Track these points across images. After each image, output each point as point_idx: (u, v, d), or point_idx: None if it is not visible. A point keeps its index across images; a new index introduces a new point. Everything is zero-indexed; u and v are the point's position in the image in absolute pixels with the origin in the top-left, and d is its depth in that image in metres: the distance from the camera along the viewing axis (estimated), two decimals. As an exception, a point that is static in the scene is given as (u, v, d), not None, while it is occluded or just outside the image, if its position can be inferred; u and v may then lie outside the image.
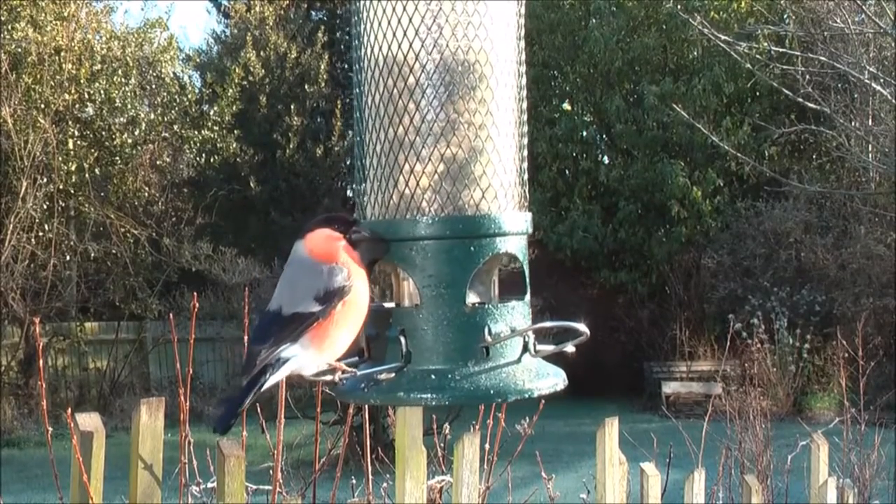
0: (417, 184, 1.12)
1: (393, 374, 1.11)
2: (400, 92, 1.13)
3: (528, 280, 1.17)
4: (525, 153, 1.19)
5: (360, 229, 1.14)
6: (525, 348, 1.13)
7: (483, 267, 1.13)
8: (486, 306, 1.13)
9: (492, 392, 1.09)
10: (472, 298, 1.13)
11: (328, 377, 1.13)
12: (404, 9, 1.12)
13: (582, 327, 1.14)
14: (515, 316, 1.14)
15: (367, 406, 3.27)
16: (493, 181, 1.13)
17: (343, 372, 1.12)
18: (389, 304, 1.18)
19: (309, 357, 1.09)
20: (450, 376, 1.09)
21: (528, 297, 1.17)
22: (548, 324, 1.17)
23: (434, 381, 1.09)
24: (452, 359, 1.10)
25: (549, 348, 1.17)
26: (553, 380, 1.14)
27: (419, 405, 1.17)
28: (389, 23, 1.13)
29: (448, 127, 1.12)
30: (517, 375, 1.11)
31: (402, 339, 1.11)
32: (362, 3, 1.16)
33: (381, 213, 1.15)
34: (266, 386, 1.08)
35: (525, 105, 1.19)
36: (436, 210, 1.11)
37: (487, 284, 1.17)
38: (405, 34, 1.12)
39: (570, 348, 1.17)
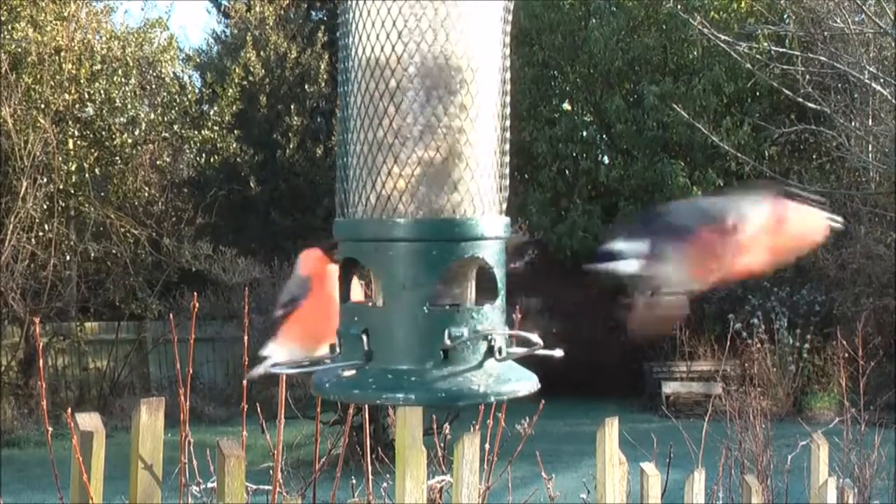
0: (395, 186, 1.12)
1: (354, 372, 1.12)
2: (381, 94, 1.13)
3: (500, 284, 1.16)
4: (507, 159, 1.19)
5: (339, 251, 1.25)
6: (489, 353, 1.13)
7: (456, 269, 1.14)
8: (450, 309, 1.13)
9: (444, 395, 1.09)
10: (442, 300, 1.13)
11: (298, 369, 1.24)
12: (388, 10, 1.12)
13: (535, 338, 1.14)
14: (483, 320, 1.13)
15: (367, 406, 3.28)
16: (469, 186, 1.13)
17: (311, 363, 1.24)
18: (361, 302, 1.20)
19: (286, 349, 1.38)
20: (405, 377, 1.10)
21: (499, 301, 1.16)
22: (504, 331, 1.16)
23: (390, 381, 1.10)
24: (411, 360, 1.11)
25: (521, 351, 1.17)
26: (515, 385, 1.13)
27: (373, 403, 1.17)
28: (374, 24, 1.13)
29: (427, 131, 1.12)
30: (474, 380, 1.10)
31: (364, 338, 1.12)
32: (347, 3, 1.17)
33: (362, 212, 1.16)
34: (254, 374, 1.44)
35: (508, 111, 1.19)
36: (411, 212, 1.12)
37: (463, 287, 1.17)
38: (388, 36, 1.12)
39: (557, 353, 1.17)
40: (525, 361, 1.18)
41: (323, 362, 1.18)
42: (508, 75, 1.19)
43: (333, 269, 1.26)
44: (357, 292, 1.21)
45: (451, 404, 1.11)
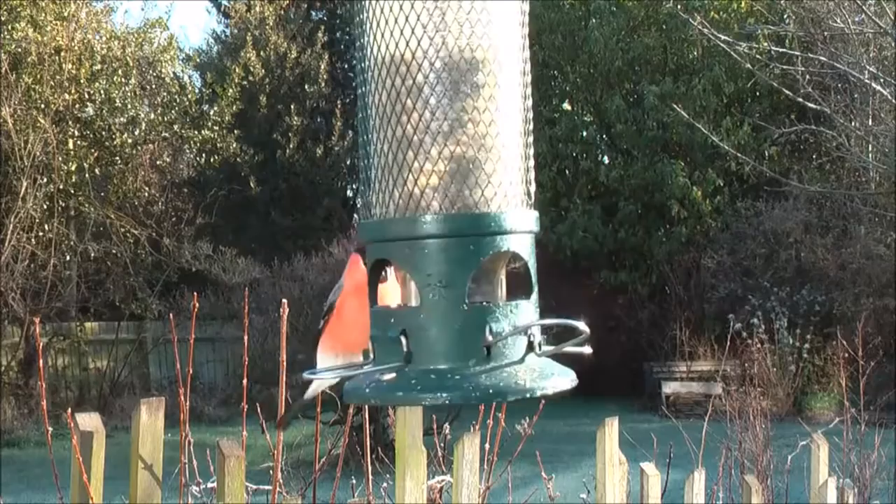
0: (427, 182, 1.11)
1: (394, 375, 1.11)
2: (408, 90, 1.12)
3: (534, 279, 1.16)
4: (531, 151, 1.19)
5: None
6: (530, 348, 1.13)
7: (488, 266, 1.13)
8: (488, 305, 1.13)
9: (491, 392, 1.09)
10: (474, 298, 1.13)
11: (335, 377, 1.26)
12: (412, 7, 1.11)
13: (582, 326, 1.13)
14: (520, 315, 1.13)
15: (367, 406, 3.27)
16: (502, 178, 1.13)
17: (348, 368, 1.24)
18: (395, 305, 1.19)
19: (326, 359, 1.37)
20: (449, 376, 1.09)
21: (534, 296, 1.16)
22: (547, 321, 1.16)
23: (434, 381, 1.09)
24: (452, 359, 1.10)
25: (555, 348, 1.17)
26: (558, 379, 1.13)
27: (418, 405, 1.17)
28: (397, 21, 1.12)
29: (456, 125, 1.12)
30: (519, 375, 1.10)
31: (403, 340, 1.11)
32: (367, 2, 1.16)
33: (388, 212, 1.15)
34: (308, 396, 1.46)
35: (530, 103, 1.19)
36: (445, 208, 1.11)
37: (494, 284, 1.17)
38: (413, 33, 1.11)
39: (587, 349, 1.17)
40: (557, 359, 1.18)
41: (357, 369, 1.18)
42: (528, 67, 1.19)
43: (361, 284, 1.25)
44: (393, 293, 1.20)
45: (498, 400, 1.11)
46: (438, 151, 1.11)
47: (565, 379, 1.14)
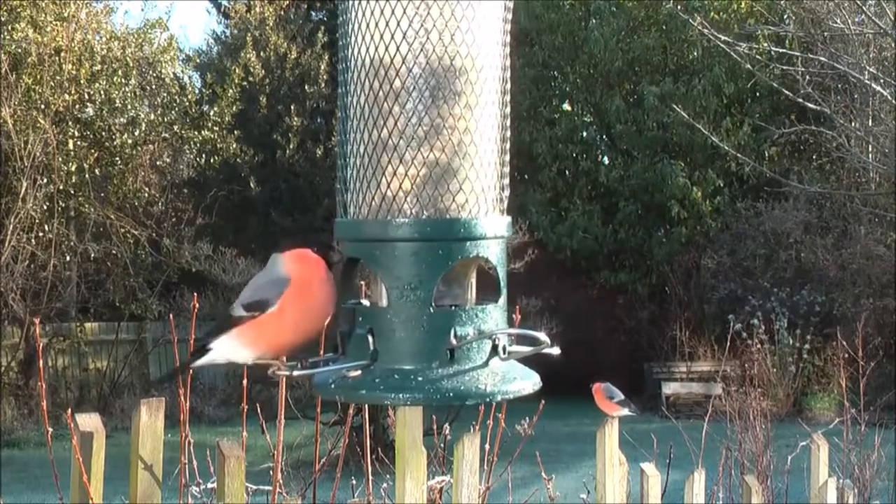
0: (400, 186, 1.12)
1: (359, 372, 1.12)
2: (385, 94, 1.13)
3: (502, 284, 1.17)
4: (507, 158, 1.19)
5: (336, 252, 1.23)
6: (494, 352, 1.13)
7: (459, 269, 1.14)
8: (454, 309, 1.13)
9: (451, 394, 1.09)
10: (442, 301, 1.13)
11: (270, 369, 1.23)
12: (392, 11, 1.12)
13: (543, 336, 1.14)
14: (487, 319, 1.14)
15: (367, 406, 3.28)
16: (474, 185, 1.14)
17: (279, 368, 1.23)
18: (366, 302, 1.19)
19: (234, 350, 1.27)
20: (412, 377, 1.10)
21: (502, 300, 1.17)
22: (510, 330, 1.16)
23: (396, 382, 1.10)
24: (417, 360, 1.11)
25: (524, 350, 1.17)
26: (520, 384, 1.13)
27: (380, 403, 1.17)
28: (377, 24, 1.13)
29: (432, 131, 1.12)
30: (481, 379, 1.11)
31: (370, 338, 1.12)
32: (349, 3, 1.16)
33: (363, 213, 1.15)
34: (195, 364, 1.32)
35: (508, 110, 1.19)
36: (416, 212, 1.12)
37: (464, 287, 1.17)
38: (392, 37, 1.12)
39: (555, 350, 1.17)
40: (525, 361, 1.18)
41: (327, 363, 1.18)
42: (509, 74, 1.20)
43: (321, 276, 1.21)
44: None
45: (458, 403, 1.12)
46: (413, 156, 1.12)
47: (527, 382, 1.14)
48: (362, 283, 1.25)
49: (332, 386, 1.13)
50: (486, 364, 1.12)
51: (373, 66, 1.14)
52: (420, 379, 1.09)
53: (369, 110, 1.14)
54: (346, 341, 1.17)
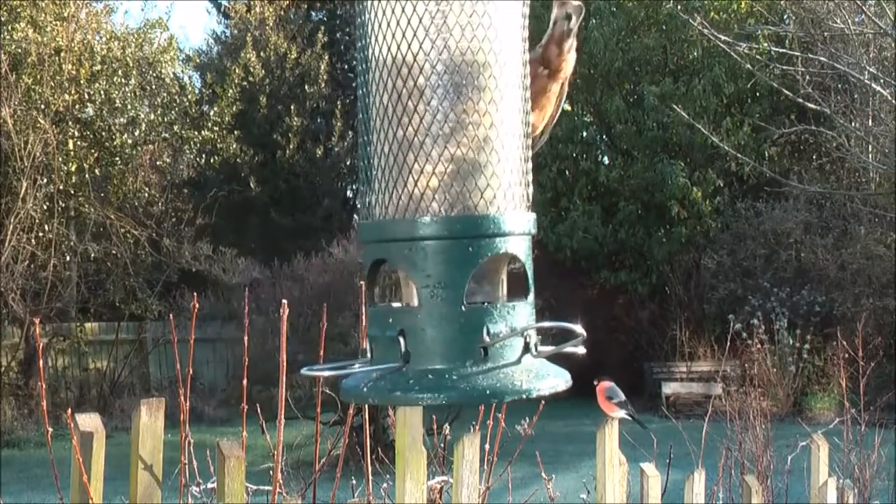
0: (428, 184, 1.12)
1: (392, 374, 1.11)
2: (409, 92, 1.13)
3: (531, 281, 1.17)
4: (530, 153, 1.19)
5: None
6: (526, 349, 1.14)
7: (489, 266, 1.14)
8: (485, 306, 1.14)
9: (488, 392, 1.09)
10: (473, 299, 1.13)
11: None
12: (414, 9, 1.12)
13: (578, 329, 1.14)
14: (517, 317, 1.14)
15: (367, 406, 3.28)
16: (501, 181, 1.14)
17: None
18: (397, 304, 1.19)
19: None
20: (447, 376, 1.09)
21: (531, 297, 1.17)
22: (545, 324, 1.17)
23: (431, 382, 1.09)
24: (450, 359, 1.10)
25: (552, 349, 1.17)
26: (553, 380, 1.13)
27: (416, 405, 1.17)
28: (398, 23, 1.12)
29: (458, 127, 1.12)
30: (515, 376, 1.11)
31: (401, 340, 1.11)
32: (368, 2, 1.16)
33: (389, 213, 1.15)
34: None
35: (529, 105, 1.19)
36: (445, 210, 1.11)
37: (495, 284, 1.17)
38: (415, 34, 1.12)
39: (580, 349, 1.17)
40: (552, 359, 1.19)
41: (354, 368, 1.17)
42: (528, 70, 1.20)
43: None
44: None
45: (494, 401, 1.12)
46: (439, 153, 1.12)
47: (560, 380, 1.14)
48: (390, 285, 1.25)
49: (364, 390, 1.13)
50: (519, 361, 1.13)
51: (395, 64, 1.13)
52: (455, 378, 1.09)
53: (392, 109, 1.14)
54: (373, 345, 1.16)
